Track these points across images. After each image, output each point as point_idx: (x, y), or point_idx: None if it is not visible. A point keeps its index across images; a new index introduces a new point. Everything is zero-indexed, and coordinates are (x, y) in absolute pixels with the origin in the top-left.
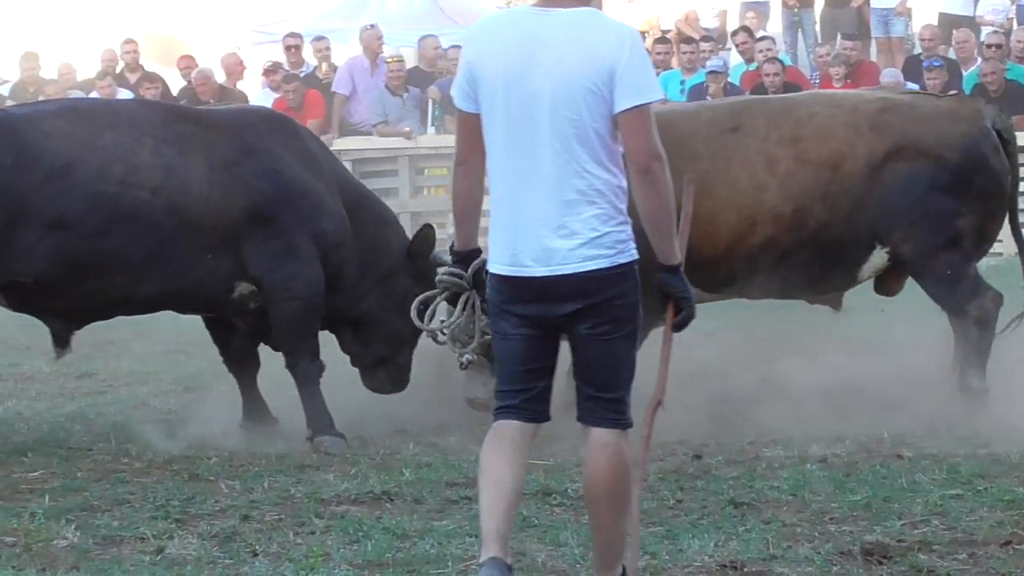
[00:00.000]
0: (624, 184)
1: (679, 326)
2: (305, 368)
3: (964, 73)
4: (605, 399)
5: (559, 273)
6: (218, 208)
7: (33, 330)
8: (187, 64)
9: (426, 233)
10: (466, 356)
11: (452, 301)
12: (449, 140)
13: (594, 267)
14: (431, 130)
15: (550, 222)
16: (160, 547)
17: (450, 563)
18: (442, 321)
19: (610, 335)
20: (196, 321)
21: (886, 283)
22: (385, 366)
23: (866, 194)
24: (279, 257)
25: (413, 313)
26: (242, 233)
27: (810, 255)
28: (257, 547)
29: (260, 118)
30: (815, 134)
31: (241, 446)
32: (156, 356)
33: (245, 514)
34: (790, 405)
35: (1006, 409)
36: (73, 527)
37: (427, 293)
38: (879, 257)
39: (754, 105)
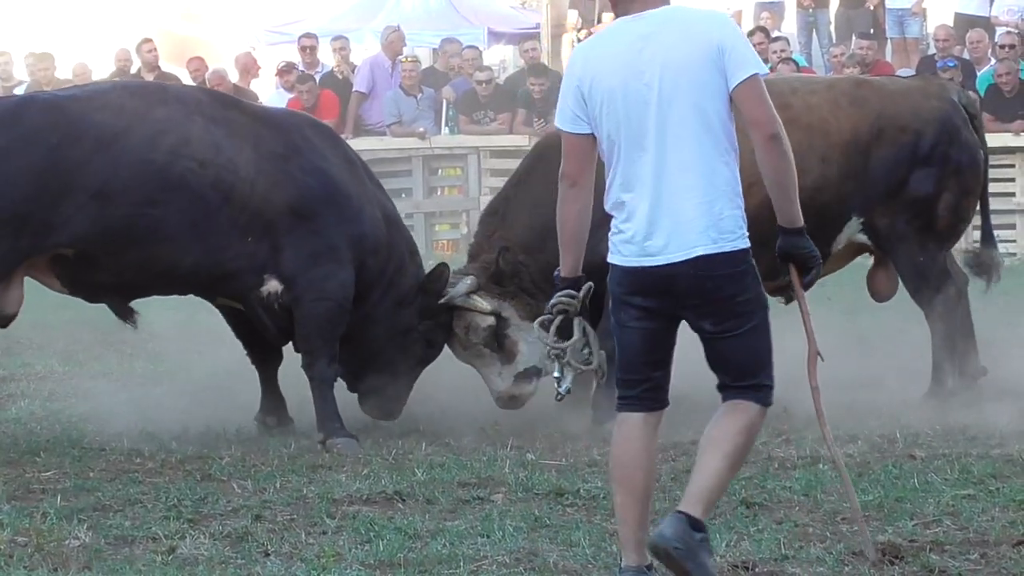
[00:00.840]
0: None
1: (808, 285)
2: (322, 370)
3: (978, 73)
4: (741, 387)
5: (683, 259)
6: (263, 195)
7: (47, 330)
8: (197, 66)
9: (441, 271)
10: (565, 386)
11: (561, 325)
12: (463, 140)
13: (716, 250)
14: (445, 131)
15: (679, 211)
16: (172, 547)
17: (462, 563)
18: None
19: (736, 330)
20: (209, 322)
21: (875, 282)
22: (377, 394)
23: (851, 165)
24: (316, 256)
25: (537, 331)
26: (283, 226)
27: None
28: (269, 547)
29: (306, 122)
30: (803, 103)
31: (253, 446)
32: (170, 356)
33: (257, 514)
34: (802, 405)
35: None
36: (85, 527)
37: (544, 316)
38: (854, 226)
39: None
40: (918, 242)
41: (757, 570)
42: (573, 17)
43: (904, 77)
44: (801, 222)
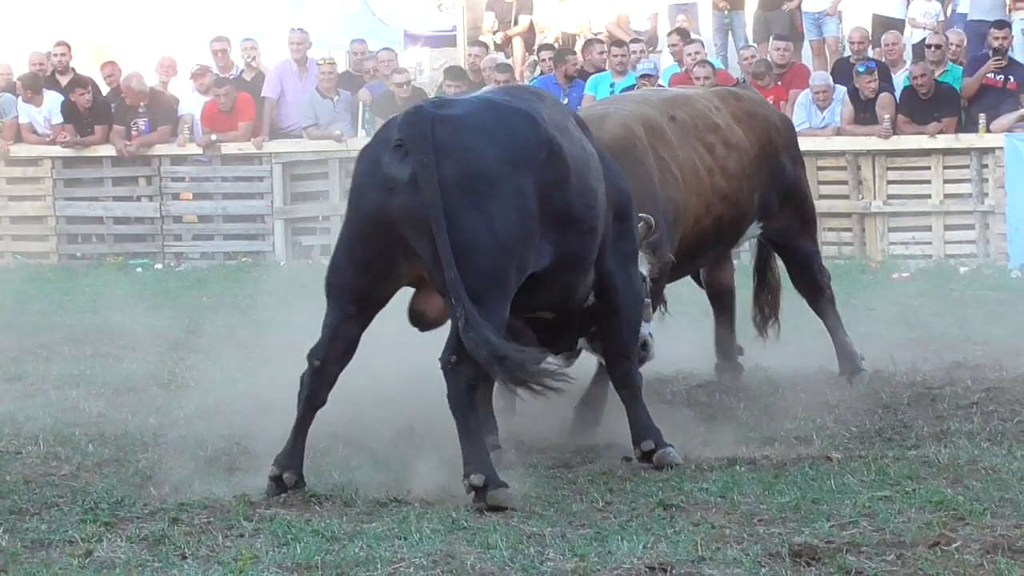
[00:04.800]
0: None
1: None
2: (637, 375)
3: (894, 75)
4: None
5: None
6: (607, 200)
7: None
8: (111, 71)
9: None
10: None
11: None
12: None
13: None
14: (362, 133)
15: None
16: (89, 550)
17: (380, 566)
18: None
19: None
20: (125, 325)
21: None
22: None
23: (759, 177)
24: (628, 257)
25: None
26: (608, 230)
27: (732, 228)
28: (186, 550)
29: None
30: (724, 122)
31: (170, 449)
32: (86, 359)
33: (174, 517)
34: (719, 407)
35: None
36: (1, 531)
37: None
38: (754, 230)
39: (670, 97)
40: (806, 241)
41: (674, 571)
42: (490, 20)
43: (717, 88)
44: None
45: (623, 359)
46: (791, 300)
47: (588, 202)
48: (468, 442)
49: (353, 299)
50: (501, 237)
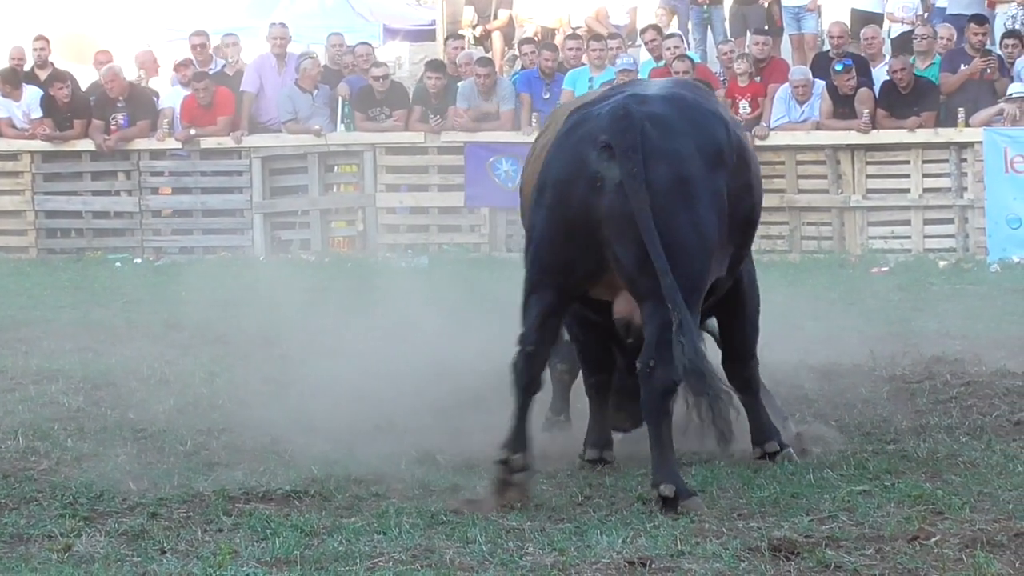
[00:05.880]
0: None
1: None
2: (758, 374)
3: (873, 69)
4: None
5: None
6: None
7: None
8: (104, 59)
9: None
10: None
11: None
12: (358, 137)
13: None
14: (341, 127)
15: None
16: (68, 545)
17: (359, 560)
18: None
19: None
20: (104, 319)
21: None
22: None
23: None
24: (750, 256)
25: None
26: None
27: None
28: (165, 545)
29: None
30: None
31: (149, 444)
32: (65, 354)
33: (153, 512)
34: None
35: None
36: None
37: None
38: None
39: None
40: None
41: (653, 566)
42: (469, 14)
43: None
44: None
45: (748, 357)
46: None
47: (760, 204)
48: (659, 451)
49: (556, 291)
50: (706, 241)
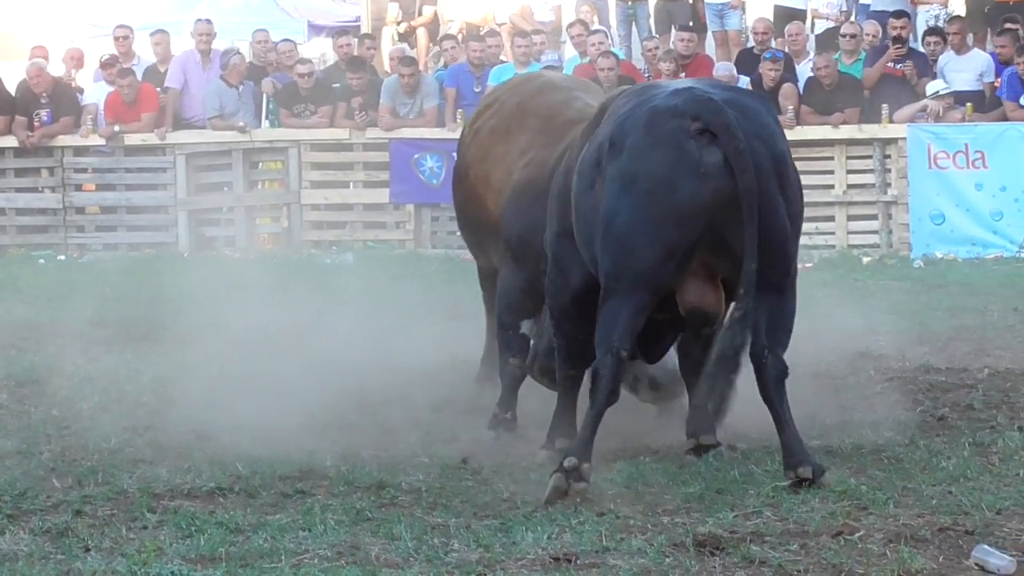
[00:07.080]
0: None
1: None
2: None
3: (797, 66)
4: None
5: None
6: None
7: None
8: (41, 54)
9: None
10: None
11: None
12: (283, 134)
13: None
14: (265, 124)
15: None
16: None
17: (284, 557)
18: None
19: None
20: (28, 316)
21: None
22: None
23: None
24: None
25: None
26: None
27: None
28: (90, 542)
29: None
30: None
31: (73, 441)
32: None
33: (78, 509)
34: (625, 399)
35: None
36: None
37: None
38: None
39: (590, 87)
40: None
41: (578, 562)
42: (393, 11)
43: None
44: None
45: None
46: None
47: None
48: (787, 434)
49: (649, 289)
50: (796, 224)
